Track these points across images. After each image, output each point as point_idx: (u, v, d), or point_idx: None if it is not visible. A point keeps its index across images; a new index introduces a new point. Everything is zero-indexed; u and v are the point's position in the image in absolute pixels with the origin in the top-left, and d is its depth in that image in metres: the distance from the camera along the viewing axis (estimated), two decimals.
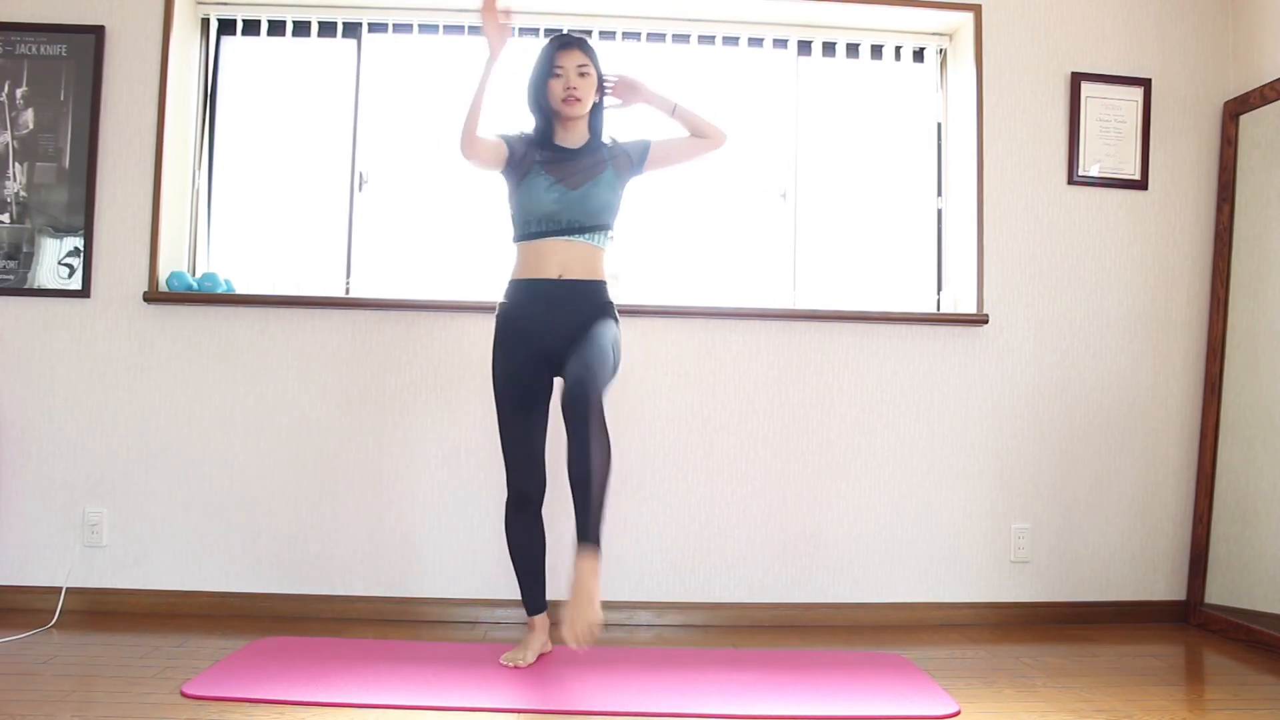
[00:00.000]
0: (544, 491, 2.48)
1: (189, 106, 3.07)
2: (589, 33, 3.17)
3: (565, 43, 2.43)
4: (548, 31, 3.17)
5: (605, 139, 2.51)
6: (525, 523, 2.47)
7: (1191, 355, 3.13)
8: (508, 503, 2.47)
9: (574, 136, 2.46)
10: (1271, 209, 2.93)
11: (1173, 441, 3.13)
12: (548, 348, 2.37)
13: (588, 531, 2.17)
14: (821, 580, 3.00)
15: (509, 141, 2.43)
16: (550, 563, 2.54)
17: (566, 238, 2.39)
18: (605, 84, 2.50)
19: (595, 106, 2.49)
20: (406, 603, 2.90)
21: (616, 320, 2.45)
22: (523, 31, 3.17)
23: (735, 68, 3.23)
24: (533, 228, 2.40)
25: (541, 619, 2.50)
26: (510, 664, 2.39)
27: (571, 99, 2.39)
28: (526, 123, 2.49)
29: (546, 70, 2.41)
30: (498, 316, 2.46)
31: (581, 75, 2.40)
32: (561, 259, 2.39)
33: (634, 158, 2.50)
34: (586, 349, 2.29)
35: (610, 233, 2.46)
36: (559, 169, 2.40)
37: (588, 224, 2.39)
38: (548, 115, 2.45)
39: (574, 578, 2.14)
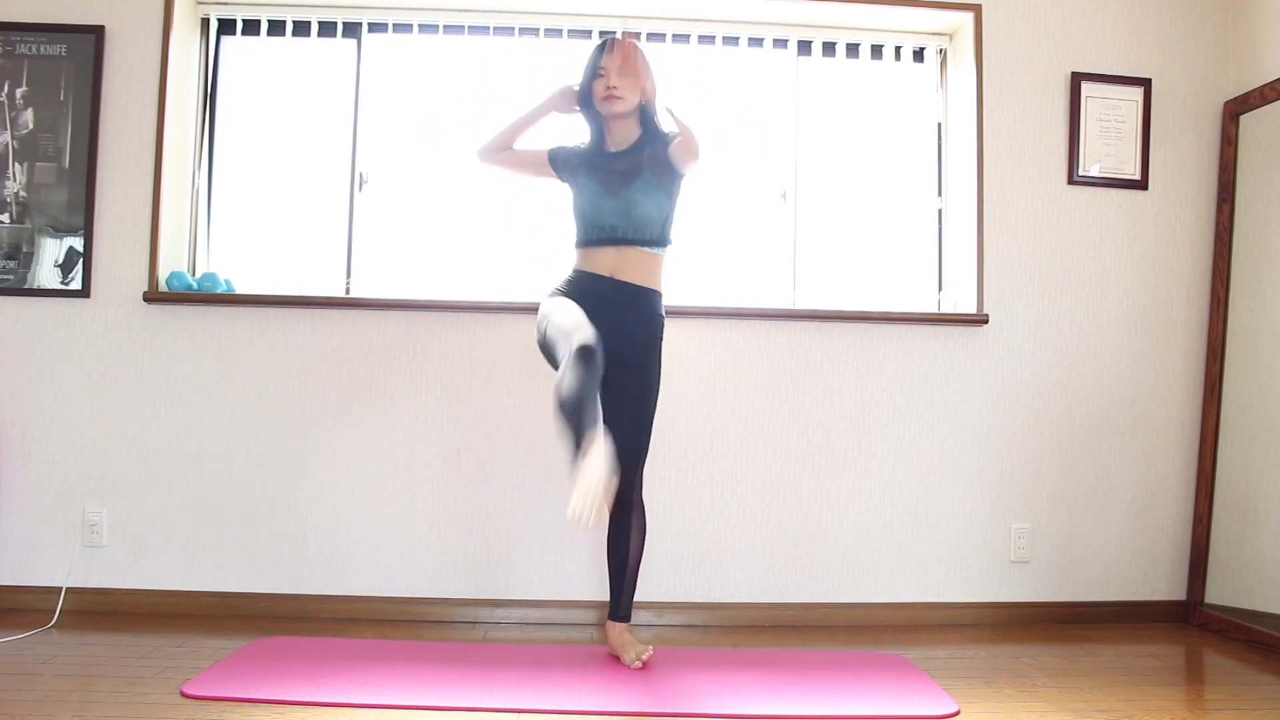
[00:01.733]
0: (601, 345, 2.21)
1: (189, 106, 3.07)
2: (589, 33, 3.18)
3: (610, 45, 2.47)
4: (548, 32, 3.18)
5: (659, 132, 2.49)
6: (592, 368, 2.13)
7: (1191, 355, 3.13)
8: (566, 362, 2.13)
9: (622, 139, 2.49)
10: (1271, 209, 2.93)
11: (1173, 441, 3.13)
12: (602, 335, 2.28)
13: (620, 610, 2.50)
14: (821, 580, 3.00)
15: (555, 153, 2.56)
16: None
17: (616, 246, 2.41)
18: (625, 35, 2.50)
19: (645, 106, 2.49)
20: (406, 603, 2.90)
21: (661, 343, 2.49)
22: (523, 32, 3.18)
23: (735, 68, 3.23)
24: (582, 234, 2.47)
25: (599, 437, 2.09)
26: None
27: (612, 97, 2.43)
28: (584, 134, 2.57)
29: (592, 73, 2.47)
30: (552, 293, 2.45)
31: (623, 75, 2.43)
32: (612, 263, 2.42)
33: (664, 160, 2.44)
34: (633, 418, 2.41)
35: (662, 243, 2.46)
36: (601, 174, 2.45)
37: (630, 235, 2.41)
38: (598, 119, 2.50)
39: (610, 641, 2.49)
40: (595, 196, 2.43)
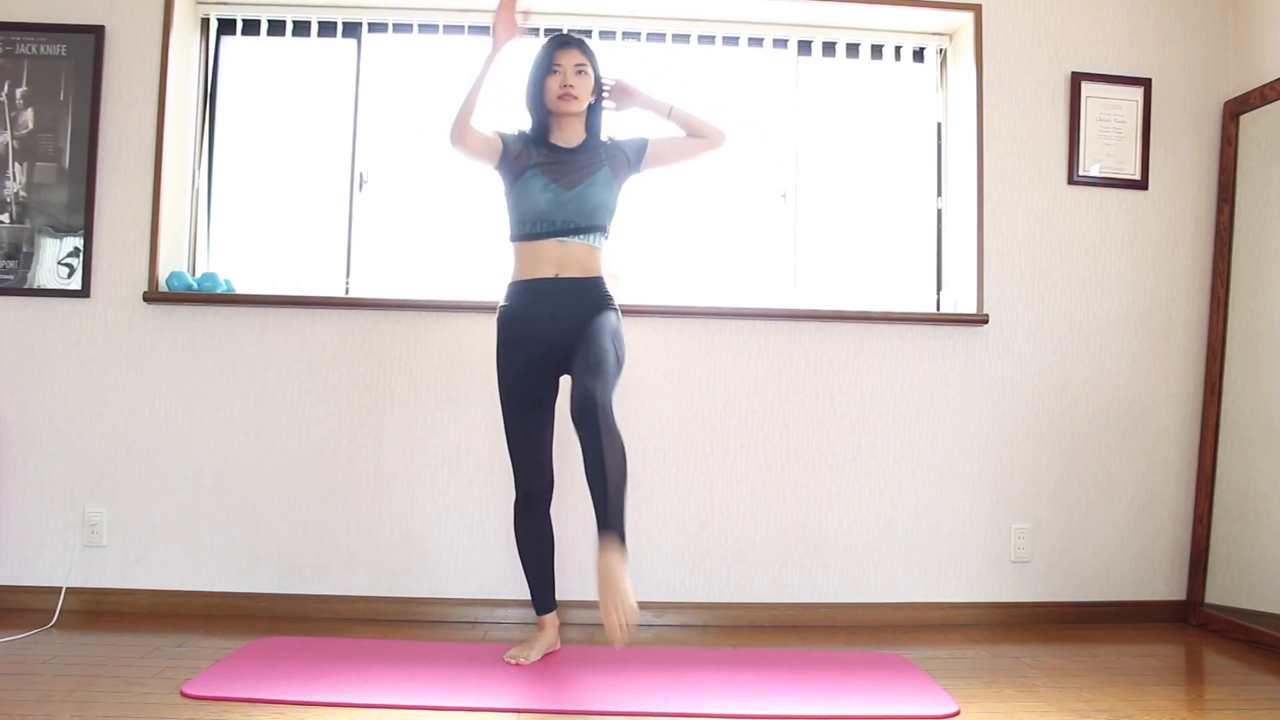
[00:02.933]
0: (551, 491, 2.49)
1: (189, 106, 3.07)
2: (589, 33, 3.18)
3: (563, 42, 2.45)
4: (548, 31, 3.18)
5: (603, 138, 2.52)
6: (533, 523, 2.48)
7: (1191, 355, 3.13)
8: (516, 503, 2.47)
9: (570, 135, 2.47)
10: (1271, 209, 2.93)
11: (1173, 441, 3.13)
12: (551, 348, 2.38)
13: (609, 519, 2.12)
14: (821, 580, 3.00)
15: (505, 138, 2.45)
16: (558, 563, 2.55)
17: (561, 239, 2.39)
18: (603, 86, 2.51)
19: (593, 106, 2.50)
20: (406, 603, 2.90)
21: (617, 312, 2.45)
22: (523, 32, 3.17)
23: (735, 68, 3.23)
24: (528, 228, 2.40)
25: (551, 618, 2.51)
26: (514, 661, 2.39)
27: (568, 96, 2.40)
28: (525, 122, 2.51)
29: (545, 68, 2.43)
30: (499, 319, 2.46)
31: (579, 73, 2.42)
32: (557, 259, 2.40)
33: (630, 157, 2.50)
34: (588, 353, 2.28)
35: (606, 234, 2.47)
36: (554, 169, 2.40)
37: (583, 224, 2.40)
38: (543, 114, 2.46)
39: (600, 572, 2.09)
40: (548, 191, 2.37)
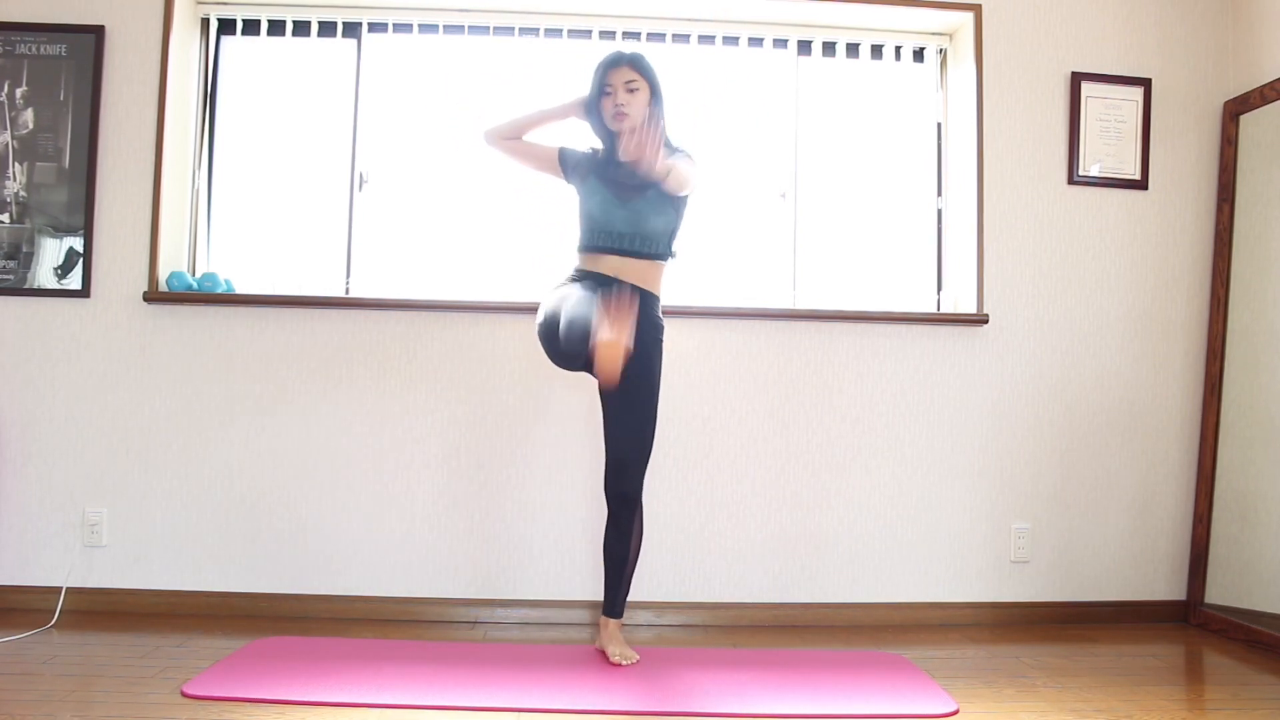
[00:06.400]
0: None
1: (189, 106, 3.07)
2: (588, 33, 3.18)
3: (614, 61, 2.49)
4: (548, 32, 3.18)
5: (669, 147, 2.47)
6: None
7: (1191, 355, 3.13)
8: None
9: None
10: (1271, 209, 2.94)
11: (1173, 441, 3.13)
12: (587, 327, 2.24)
13: (616, 606, 2.50)
14: (821, 580, 3.00)
15: (566, 151, 2.55)
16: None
17: (622, 256, 2.43)
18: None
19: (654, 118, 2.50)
20: (406, 603, 2.90)
21: (661, 344, 2.47)
22: (523, 32, 3.18)
23: (735, 68, 3.23)
24: (588, 239, 2.48)
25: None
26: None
27: (620, 115, 2.45)
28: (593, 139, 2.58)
29: (599, 90, 2.49)
30: (552, 289, 2.46)
31: (630, 91, 2.46)
32: (616, 268, 2.44)
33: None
34: (630, 419, 2.40)
35: (669, 255, 2.50)
36: (612, 182, 2.46)
37: (638, 246, 2.43)
38: (608, 133, 2.52)
39: (602, 636, 2.51)
40: (605, 203, 2.45)
